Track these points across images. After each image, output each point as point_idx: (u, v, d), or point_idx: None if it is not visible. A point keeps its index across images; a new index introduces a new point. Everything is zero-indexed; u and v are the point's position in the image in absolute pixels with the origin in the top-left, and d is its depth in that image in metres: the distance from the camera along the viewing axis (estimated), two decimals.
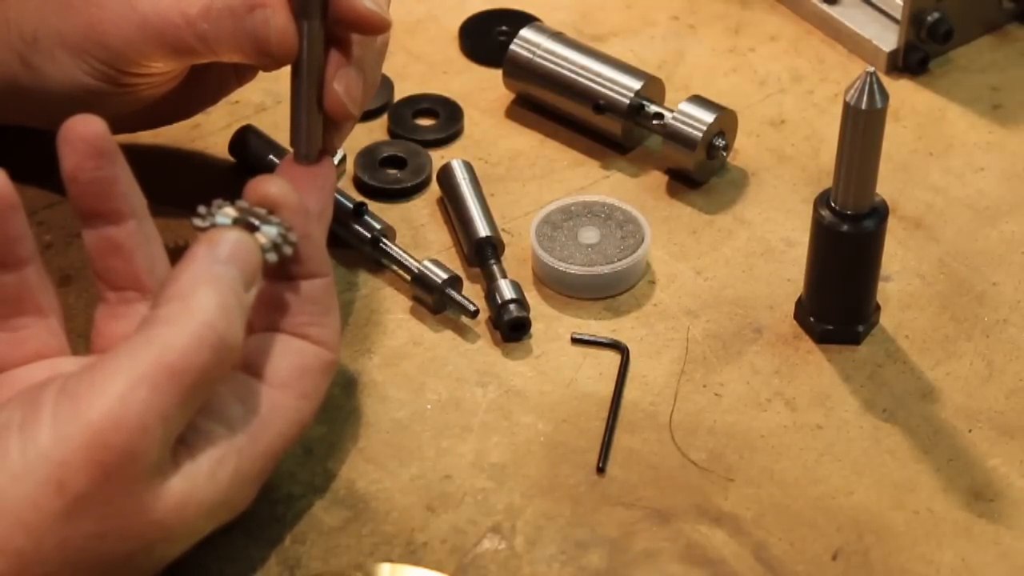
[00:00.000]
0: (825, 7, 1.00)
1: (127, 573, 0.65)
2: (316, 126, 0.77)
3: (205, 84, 0.85)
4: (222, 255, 0.67)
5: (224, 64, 0.82)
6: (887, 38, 0.98)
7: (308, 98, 0.77)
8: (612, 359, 0.82)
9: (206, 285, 0.66)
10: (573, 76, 0.92)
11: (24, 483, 0.61)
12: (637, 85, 0.91)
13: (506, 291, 0.82)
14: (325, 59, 0.76)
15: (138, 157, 0.91)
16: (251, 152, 0.91)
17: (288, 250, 0.70)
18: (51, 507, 0.62)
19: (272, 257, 0.70)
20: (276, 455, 0.69)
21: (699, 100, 0.90)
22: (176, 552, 0.66)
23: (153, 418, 0.62)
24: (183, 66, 0.81)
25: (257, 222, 0.70)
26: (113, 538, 0.63)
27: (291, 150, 0.78)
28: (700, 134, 0.89)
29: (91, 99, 0.79)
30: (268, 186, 0.71)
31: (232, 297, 0.66)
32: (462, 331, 0.83)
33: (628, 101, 0.91)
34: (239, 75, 0.85)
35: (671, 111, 0.90)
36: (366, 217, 0.86)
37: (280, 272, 0.71)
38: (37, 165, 0.89)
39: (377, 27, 0.76)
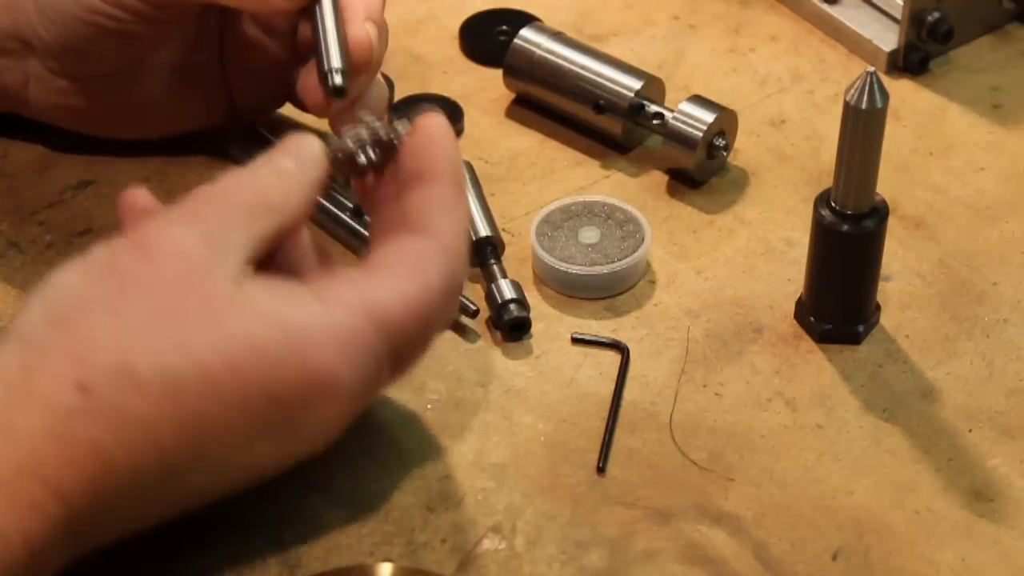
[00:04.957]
0: (825, 7, 1.00)
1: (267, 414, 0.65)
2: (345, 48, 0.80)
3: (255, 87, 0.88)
4: (281, 148, 0.71)
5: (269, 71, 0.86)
6: (887, 38, 0.98)
7: (334, 28, 0.80)
8: (612, 359, 0.82)
9: (261, 165, 0.70)
10: (573, 76, 0.92)
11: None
12: (637, 85, 0.91)
13: (506, 291, 0.82)
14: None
15: (137, 156, 0.91)
16: (251, 152, 0.90)
17: (387, 142, 0.73)
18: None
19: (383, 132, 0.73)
20: (413, 311, 0.69)
21: (699, 100, 0.90)
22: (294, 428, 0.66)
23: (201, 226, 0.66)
24: None
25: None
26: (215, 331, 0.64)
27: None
28: (700, 134, 0.89)
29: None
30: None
31: (287, 165, 0.70)
32: (462, 331, 0.83)
33: (628, 101, 0.91)
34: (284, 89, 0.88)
35: (671, 111, 0.90)
36: (366, 217, 0.86)
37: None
38: (36, 165, 0.89)
39: None
